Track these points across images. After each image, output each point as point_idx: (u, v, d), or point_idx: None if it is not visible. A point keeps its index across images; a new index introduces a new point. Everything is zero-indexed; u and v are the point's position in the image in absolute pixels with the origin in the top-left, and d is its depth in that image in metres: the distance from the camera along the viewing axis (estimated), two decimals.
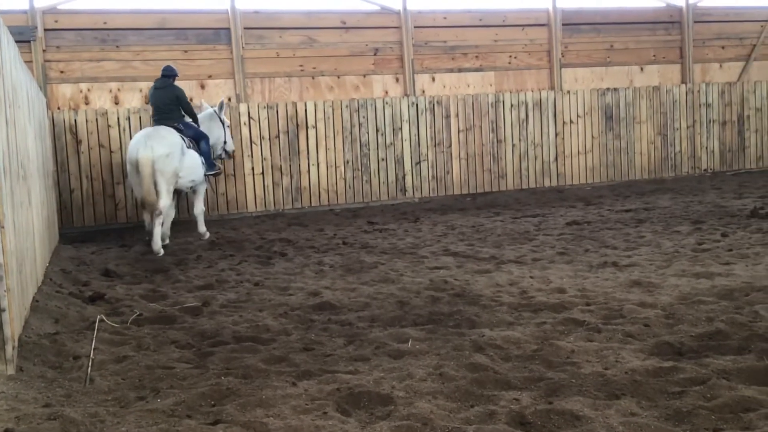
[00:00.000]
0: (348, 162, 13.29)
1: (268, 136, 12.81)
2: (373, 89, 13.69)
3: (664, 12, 15.63)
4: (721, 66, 16.07)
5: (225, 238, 10.07)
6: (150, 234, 9.04)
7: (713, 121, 15.90)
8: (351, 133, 13.31)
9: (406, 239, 9.41)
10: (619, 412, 3.32)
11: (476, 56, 14.35)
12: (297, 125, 12.96)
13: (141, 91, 12.25)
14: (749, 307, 4.97)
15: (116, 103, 12.14)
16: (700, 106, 15.78)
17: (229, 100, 12.44)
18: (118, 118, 11.92)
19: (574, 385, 3.70)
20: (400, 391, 3.75)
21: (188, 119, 10.08)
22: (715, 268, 6.43)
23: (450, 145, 14.02)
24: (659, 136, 15.51)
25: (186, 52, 12.53)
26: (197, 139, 9.94)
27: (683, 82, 15.75)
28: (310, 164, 13.00)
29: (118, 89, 12.17)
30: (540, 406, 3.43)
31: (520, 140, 14.46)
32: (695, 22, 15.71)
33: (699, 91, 15.77)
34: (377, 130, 13.50)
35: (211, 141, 10.36)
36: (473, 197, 13.89)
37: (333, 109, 13.18)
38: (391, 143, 13.62)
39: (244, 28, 12.79)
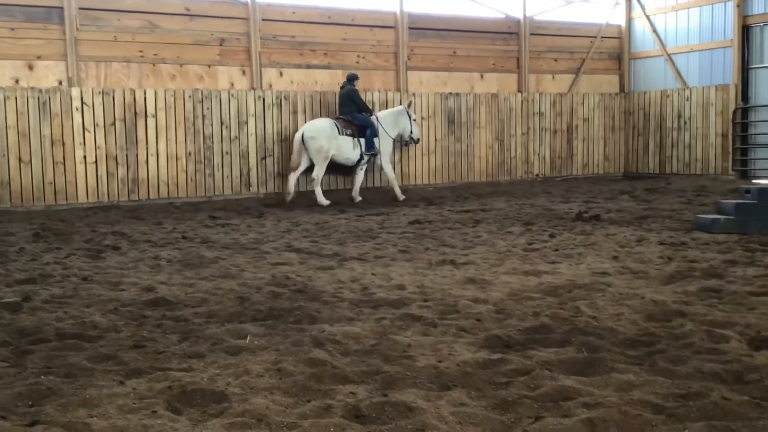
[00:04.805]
0: (190, 154, 12.88)
1: (102, 124, 12.16)
2: (218, 80, 13.36)
3: (503, 23, 16.42)
4: (553, 77, 17.12)
5: (51, 229, 9.43)
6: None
7: (545, 129, 16.91)
8: (194, 124, 12.92)
9: (249, 235, 9.25)
10: (450, 402, 3.42)
11: (325, 53, 14.38)
12: (135, 113, 12.40)
13: None
14: (571, 303, 5.30)
15: None
16: (533, 114, 16.72)
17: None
18: None
19: (409, 377, 3.77)
20: (235, 388, 3.66)
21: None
22: (543, 266, 6.80)
23: None
24: (496, 141, 16.28)
25: (12, 30, 11.63)
26: (363, 128, 13.06)
27: (519, 90, 16.62)
28: (149, 155, 12.48)
29: None
30: (375, 399, 3.46)
31: None
32: (532, 34, 16.64)
33: (533, 101, 16.71)
34: (222, 123, 13.19)
35: (398, 130, 13.62)
36: None
37: (175, 99, 12.73)
38: (236, 137, 13.36)
39: (79, 8, 12.06)
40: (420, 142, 14.64)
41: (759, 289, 5.52)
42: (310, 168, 12.88)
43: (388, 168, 13.56)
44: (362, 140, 13.06)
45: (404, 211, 11.55)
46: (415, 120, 13.88)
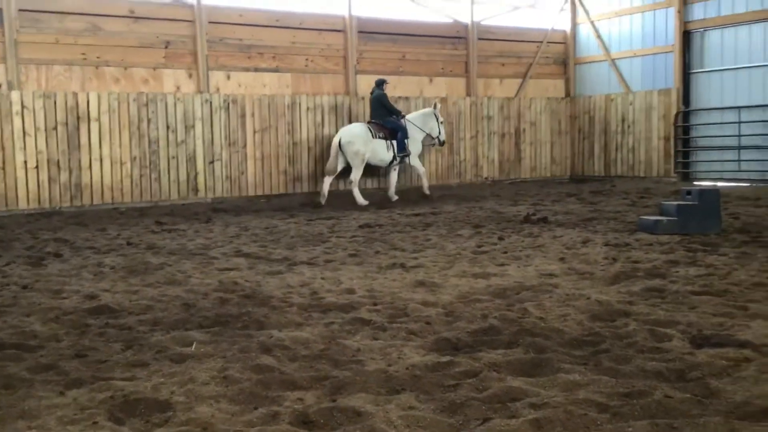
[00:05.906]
0: (135, 159, 12.64)
1: (44, 128, 11.84)
2: (163, 84, 13.15)
3: (451, 27, 16.55)
4: (501, 82, 17.32)
5: None
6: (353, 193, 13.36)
7: (494, 132, 17.09)
8: (139, 128, 12.68)
9: (196, 240, 9.11)
10: (398, 406, 3.41)
11: (273, 57, 14.28)
12: (78, 117, 12.11)
13: None
14: (519, 305, 5.34)
15: None
16: (482, 118, 16.88)
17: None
18: None
19: (358, 382, 3.75)
20: (180, 396, 3.58)
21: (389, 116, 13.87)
22: (492, 268, 6.86)
23: (245, 146, 13.83)
24: (446, 144, 16.37)
25: None
26: (395, 131, 13.69)
27: (468, 95, 16.76)
28: (92, 159, 12.21)
29: None
30: (324, 405, 3.43)
31: (315, 143, 14.60)
32: (479, 39, 16.80)
33: (482, 104, 16.87)
34: (168, 127, 12.98)
35: (426, 131, 14.19)
36: (268, 199, 13.79)
37: (119, 102, 12.48)
38: (183, 141, 13.16)
39: (19, 10, 11.75)
40: (445, 145, 15.00)
41: (700, 289, 5.65)
42: (344, 171, 13.47)
43: (417, 163, 14.20)
44: (394, 143, 13.67)
45: (354, 215, 11.53)
46: (443, 122, 14.42)
